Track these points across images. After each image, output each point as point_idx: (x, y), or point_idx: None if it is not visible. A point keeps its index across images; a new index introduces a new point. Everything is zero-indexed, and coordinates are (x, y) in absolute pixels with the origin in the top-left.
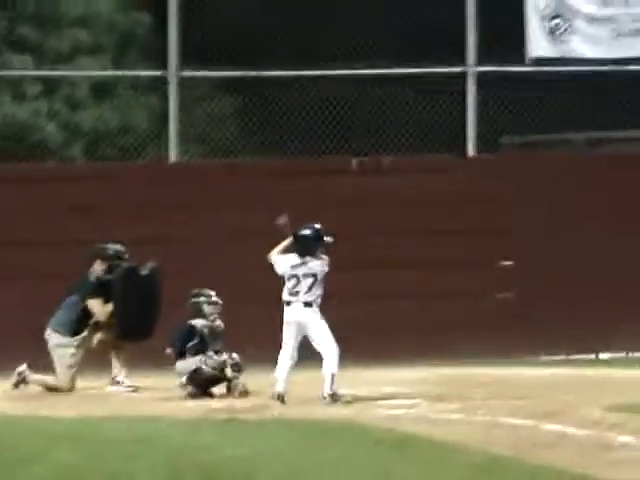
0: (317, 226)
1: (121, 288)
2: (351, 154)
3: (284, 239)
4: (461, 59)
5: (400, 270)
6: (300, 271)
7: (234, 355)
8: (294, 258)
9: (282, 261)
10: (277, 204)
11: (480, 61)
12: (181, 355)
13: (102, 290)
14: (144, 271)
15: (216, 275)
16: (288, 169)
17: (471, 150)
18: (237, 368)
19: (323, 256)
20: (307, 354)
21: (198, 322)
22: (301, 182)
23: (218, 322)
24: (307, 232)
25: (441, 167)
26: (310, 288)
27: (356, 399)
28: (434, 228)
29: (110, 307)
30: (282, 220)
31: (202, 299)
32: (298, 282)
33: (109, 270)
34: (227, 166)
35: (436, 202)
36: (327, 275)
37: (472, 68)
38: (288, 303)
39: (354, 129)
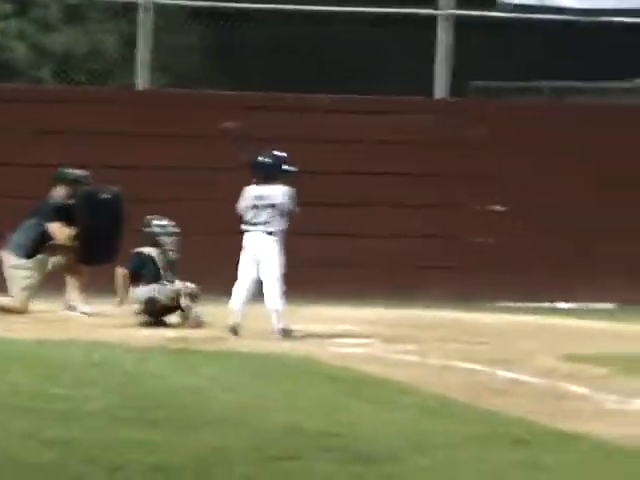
0: (278, 154)
1: (82, 212)
2: (319, 91)
3: (231, 144)
4: (433, 1)
5: (373, 209)
6: (259, 201)
7: (189, 284)
8: (253, 189)
9: (242, 199)
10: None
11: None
12: (134, 282)
13: (63, 214)
14: (106, 195)
15: (178, 204)
16: (253, 102)
17: (439, 93)
18: (192, 298)
19: (284, 187)
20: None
21: (148, 250)
22: (265, 116)
23: (171, 253)
24: (266, 159)
25: (410, 109)
26: (270, 218)
27: (311, 336)
28: (407, 169)
29: (71, 230)
30: (229, 124)
31: (156, 229)
32: (257, 212)
33: (72, 195)
34: (195, 97)
35: (409, 143)
36: (295, 210)
37: (444, 11)
38: (247, 232)
39: (322, 67)
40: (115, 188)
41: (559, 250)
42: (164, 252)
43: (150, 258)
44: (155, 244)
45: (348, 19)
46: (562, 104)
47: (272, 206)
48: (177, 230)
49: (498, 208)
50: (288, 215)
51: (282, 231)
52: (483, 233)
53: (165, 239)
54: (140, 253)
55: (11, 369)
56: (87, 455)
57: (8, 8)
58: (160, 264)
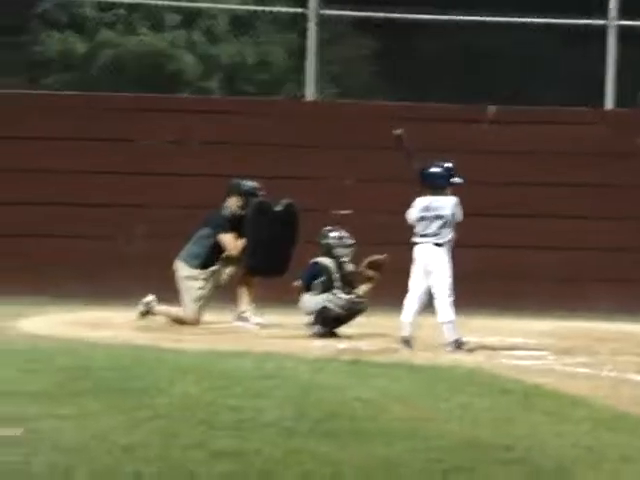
0: (447, 164)
1: (253, 222)
2: (488, 102)
3: (399, 150)
4: (603, 12)
5: (535, 220)
6: (429, 213)
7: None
8: (422, 200)
9: (411, 210)
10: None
11: (623, 15)
12: (307, 290)
13: (235, 225)
14: (278, 207)
15: (349, 215)
16: (422, 114)
17: (609, 104)
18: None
19: (452, 197)
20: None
21: (324, 260)
22: (435, 128)
23: (348, 266)
24: (435, 169)
25: (579, 120)
26: (440, 230)
27: (483, 348)
28: (573, 181)
29: (242, 242)
30: (398, 131)
31: (332, 241)
32: (427, 224)
33: (244, 206)
34: (363, 108)
35: (574, 154)
36: (460, 221)
37: (613, 21)
38: (417, 244)
39: (493, 77)
40: (288, 200)
41: None
42: (340, 264)
43: (326, 268)
44: (331, 255)
45: (520, 28)
46: None
47: (441, 217)
48: (353, 242)
49: None
50: (456, 226)
51: (451, 242)
52: None
53: (341, 250)
54: (316, 263)
55: (182, 380)
56: (260, 467)
57: (177, 19)
58: (335, 275)
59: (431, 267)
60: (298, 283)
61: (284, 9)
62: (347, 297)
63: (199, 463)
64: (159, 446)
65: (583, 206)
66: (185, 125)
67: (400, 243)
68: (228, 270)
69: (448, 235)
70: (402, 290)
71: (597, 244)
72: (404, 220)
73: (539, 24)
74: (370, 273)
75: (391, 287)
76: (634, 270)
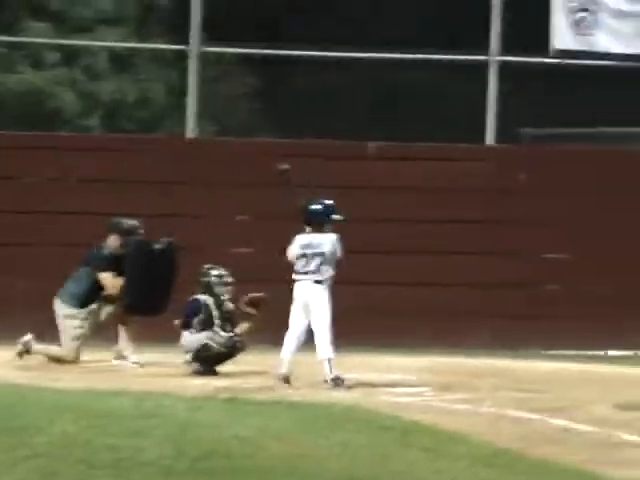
0: (327, 202)
1: (132, 261)
2: (369, 138)
3: (285, 185)
4: (485, 48)
5: (415, 256)
6: (309, 250)
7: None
8: (302, 237)
9: (292, 247)
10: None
11: (504, 51)
12: (186, 328)
13: (114, 264)
14: (158, 246)
15: (229, 253)
16: (303, 150)
17: (489, 139)
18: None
19: (332, 235)
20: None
21: (204, 297)
22: (314, 164)
23: (228, 304)
24: (316, 206)
25: (459, 156)
26: (319, 267)
27: (361, 384)
28: (450, 216)
29: (121, 281)
30: (284, 166)
31: (212, 279)
32: (307, 261)
33: (124, 245)
34: (243, 145)
35: (455, 190)
36: (341, 258)
37: (494, 57)
38: (297, 281)
39: (373, 113)
40: (168, 239)
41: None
42: (220, 301)
43: (205, 305)
44: (211, 293)
45: (398, 65)
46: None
47: (321, 254)
48: (232, 280)
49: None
50: (336, 263)
51: (331, 279)
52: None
53: (221, 289)
54: (196, 300)
55: (60, 419)
56: None
57: (56, 56)
58: (215, 313)
59: (311, 305)
60: (178, 322)
61: (164, 46)
62: (227, 335)
63: None
64: None
65: (464, 241)
66: (65, 163)
67: (280, 281)
68: (107, 309)
69: (328, 272)
70: (281, 328)
71: (477, 279)
72: (285, 257)
73: (421, 59)
74: (250, 310)
75: (270, 324)
76: (514, 305)
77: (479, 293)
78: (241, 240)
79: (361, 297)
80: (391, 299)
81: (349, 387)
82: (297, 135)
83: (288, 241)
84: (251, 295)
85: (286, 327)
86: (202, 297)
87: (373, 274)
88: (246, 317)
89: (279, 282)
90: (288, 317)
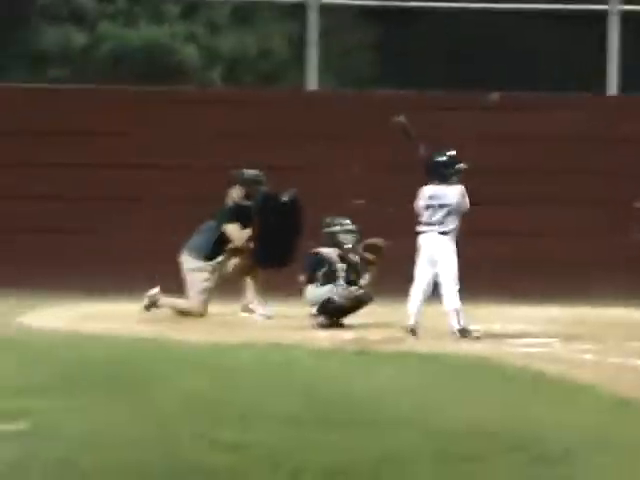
0: (450, 152)
1: (260, 214)
2: (489, 89)
3: (403, 136)
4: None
5: (541, 207)
6: (434, 201)
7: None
8: (428, 189)
9: (418, 199)
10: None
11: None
12: (310, 282)
13: (240, 215)
14: (284, 198)
15: (352, 205)
16: (423, 102)
17: (612, 89)
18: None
19: (458, 186)
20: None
21: (326, 250)
22: (437, 116)
23: (352, 256)
24: (439, 158)
25: (580, 105)
26: (444, 218)
27: (488, 336)
28: (575, 167)
29: (248, 232)
30: (398, 118)
31: (336, 228)
32: (433, 212)
33: (247, 196)
34: (365, 97)
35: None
36: (467, 211)
37: (615, 6)
38: (422, 232)
39: (493, 64)
40: (293, 190)
41: None
42: (345, 252)
43: (327, 258)
44: (335, 244)
45: (518, 14)
46: None
47: (447, 205)
48: (356, 229)
49: None
50: (461, 214)
51: (455, 231)
52: None
53: (347, 237)
54: (317, 253)
55: (187, 373)
56: (266, 458)
57: (176, 10)
58: (338, 265)
59: (437, 256)
60: (303, 278)
61: None
62: (351, 288)
63: (205, 455)
64: (161, 439)
65: (590, 192)
66: (190, 116)
67: (402, 233)
68: (234, 261)
69: (453, 223)
70: (407, 279)
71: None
72: (411, 210)
73: (538, 10)
74: (369, 256)
75: (396, 276)
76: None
77: (603, 244)
78: (359, 192)
79: (484, 249)
80: (513, 251)
81: (477, 338)
82: (417, 87)
83: (407, 194)
84: (369, 240)
85: (409, 280)
86: (325, 250)
87: (496, 227)
88: (367, 265)
89: (401, 235)
90: (411, 269)
